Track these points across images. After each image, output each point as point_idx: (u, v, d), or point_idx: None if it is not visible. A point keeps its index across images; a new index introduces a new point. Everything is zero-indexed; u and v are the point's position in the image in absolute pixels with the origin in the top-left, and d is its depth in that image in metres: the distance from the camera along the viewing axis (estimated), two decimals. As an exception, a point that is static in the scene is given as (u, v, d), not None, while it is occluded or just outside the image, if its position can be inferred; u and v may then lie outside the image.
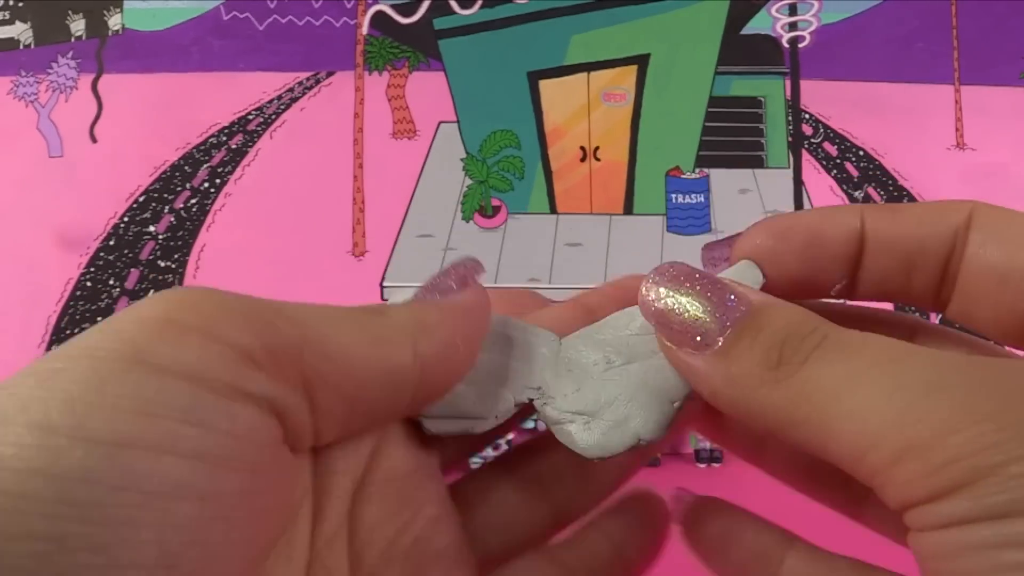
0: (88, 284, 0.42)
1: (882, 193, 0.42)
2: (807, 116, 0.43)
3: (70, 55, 0.45)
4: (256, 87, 0.44)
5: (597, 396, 0.24)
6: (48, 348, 0.41)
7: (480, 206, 0.43)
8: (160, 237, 0.42)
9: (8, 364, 0.41)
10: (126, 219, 0.43)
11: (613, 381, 0.24)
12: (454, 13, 0.45)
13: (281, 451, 0.16)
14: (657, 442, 0.23)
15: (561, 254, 0.42)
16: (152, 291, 0.41)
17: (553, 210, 0.43)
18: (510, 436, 0.33)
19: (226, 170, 0.43)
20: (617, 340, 0.24)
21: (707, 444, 0.40)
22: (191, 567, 0.14)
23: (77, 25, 0.45)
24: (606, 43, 0.44)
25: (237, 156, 0.43)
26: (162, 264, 0.42)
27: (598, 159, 0.44)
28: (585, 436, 0.24)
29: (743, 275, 0.23)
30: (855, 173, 0.43)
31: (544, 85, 0.44)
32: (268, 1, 0.45)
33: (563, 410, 0.24)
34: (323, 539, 0.19)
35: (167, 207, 0.43)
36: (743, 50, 0.44)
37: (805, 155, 0.43)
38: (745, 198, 0.42)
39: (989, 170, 0.42)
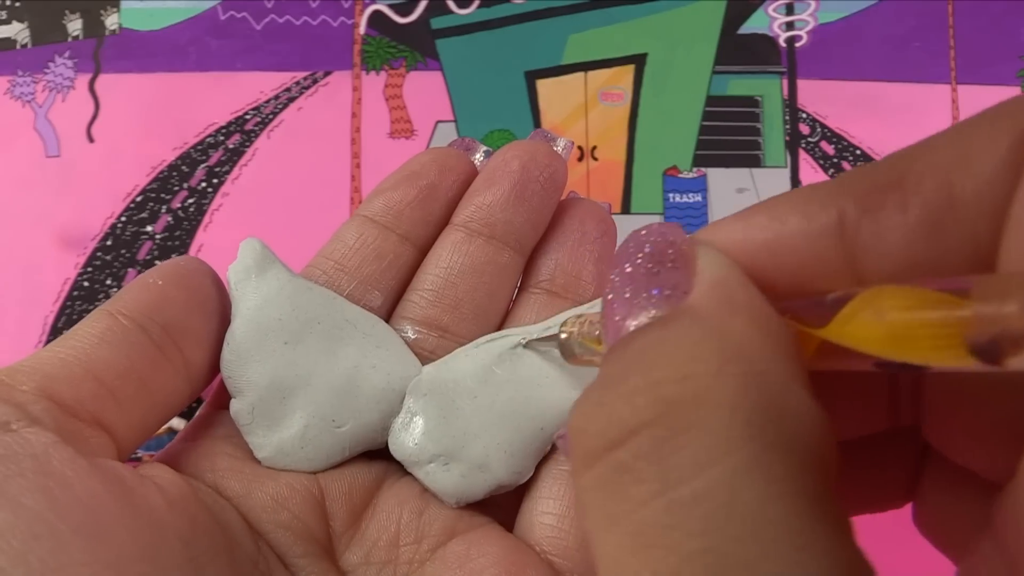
0: (85, 284, 0.42)
1: (879, 192, 0.42)
2: (804, 115, 0.43)
3: (67, 55, 0.45)
4: (253, 87, 0.44)
5: (457, 431, 0.22)
6: (45, 348, 0.41)
7: (478, 206, 0.43)
8: (157, 237, 0.42)
9: (6, 365, 0.41)
10: (123, 219, 0.43)
11: (477, 412, 0.22)
12: (451, 13, 0.45)
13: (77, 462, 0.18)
14: (524, 481, 0.22)
15: (559, 253, 0.42)
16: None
17: (551, 209, 0.43)
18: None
19: (224, 170, 0.43)
20: (491, 360, 0.22)
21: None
22: None
23: (74, 25, 0.45)
24: (603, 43, 0.44)
25: (235, 156, 0.43)
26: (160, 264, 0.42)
27: (595, 158, 0.44)
28: (443, 479, 0.22)
29: None
30: (852, 172, 0.43)
31: (541, 84, 0.44)
32: (265, 1, 0.45)
33: (420, 448, 0.22)
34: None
35: (164, 207, 0.43)
36: (740, 49, 0.44)
37: (802, 154, 0.43)
38: (743, 197, 0.43)
39: (986, 169, 0.42)
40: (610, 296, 0.14)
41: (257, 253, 0.22)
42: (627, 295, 0.14)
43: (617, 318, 0.14)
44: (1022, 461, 0.12)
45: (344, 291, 0.24)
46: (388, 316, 0.24)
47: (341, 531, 0.22)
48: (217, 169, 0.43)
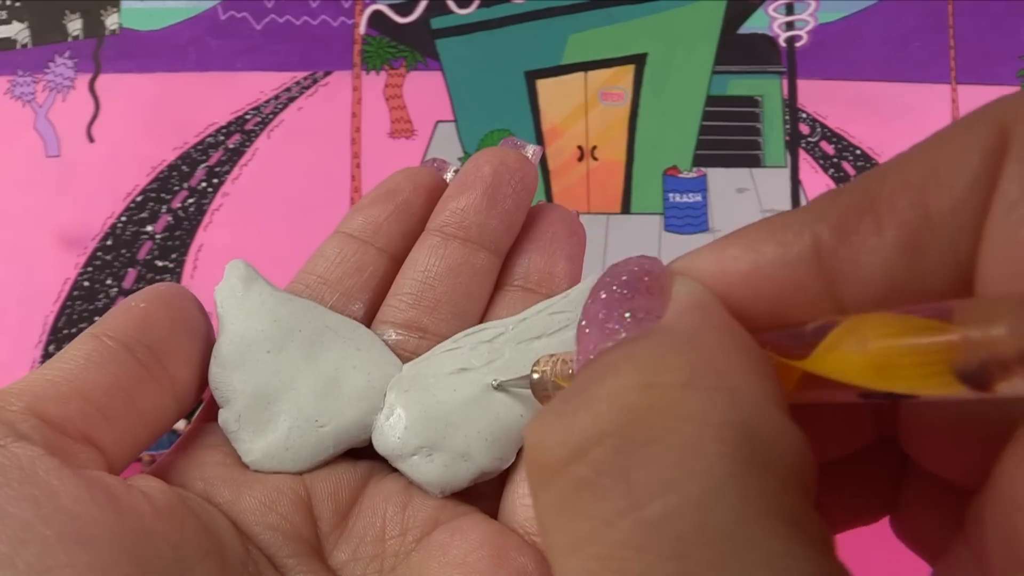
0: (86, 284, 0.42)
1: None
2: (804, 115, 0.43)
3: (67, 55, 0.45)
4: (253, 87, 0.44)
5: (439, 422, 0.22)
6: (45, 348, 0.41)
7: (478, 205, 0.43)
8: (158, 237, 0.42)
9: (6, 365, 0.41)
10: (124, 219, 0.43)
11: (457, 404, 0.23)
12: (451, 13, 0.45)
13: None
14: (506, 467, 0.23)
15: (559, 253, 0.42)
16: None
17: (551, 209, 0.43)
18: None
19: (224, 170, 0.43)
20: (469, 353, 0.23)
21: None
22: None
23: (74, 25, 0.45)
24: (603, 43, 0.44)
25: (235, 156, 0.43)
26: (160, 264, 0.42)
27: (595, 158, 0.44)
28: (427, 471, 0.22)
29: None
30: (852, 172, 0.43)
31: (541, 84, 0.44)
32: (265, 1, 0.45)
33: (403, 442, 0.22)
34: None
35: (165, 207, 0.43)
36: (740, 49, 0.44)
37: (802, 154, 0.43)
38: (742, 197, 0.43)
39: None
40: (583, 323, 0.14)
41: (241, 272, 0.24)
42: (600, 317, 0.14)
43: (589, 345, 0.13)
44: (994, 468, 0.12)
45: (327, 303, 0.25)
46: (369, 324, 0.25)
47: (328, 530, 0.22)
48: (217, 169, 0.43)
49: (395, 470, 0.23)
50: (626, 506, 0.11)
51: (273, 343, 0.23)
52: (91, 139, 0.43)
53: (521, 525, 0.23)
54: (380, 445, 0.23)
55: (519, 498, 0.23)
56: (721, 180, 0.43)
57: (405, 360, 0.24)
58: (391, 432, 0.23)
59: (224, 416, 0.23)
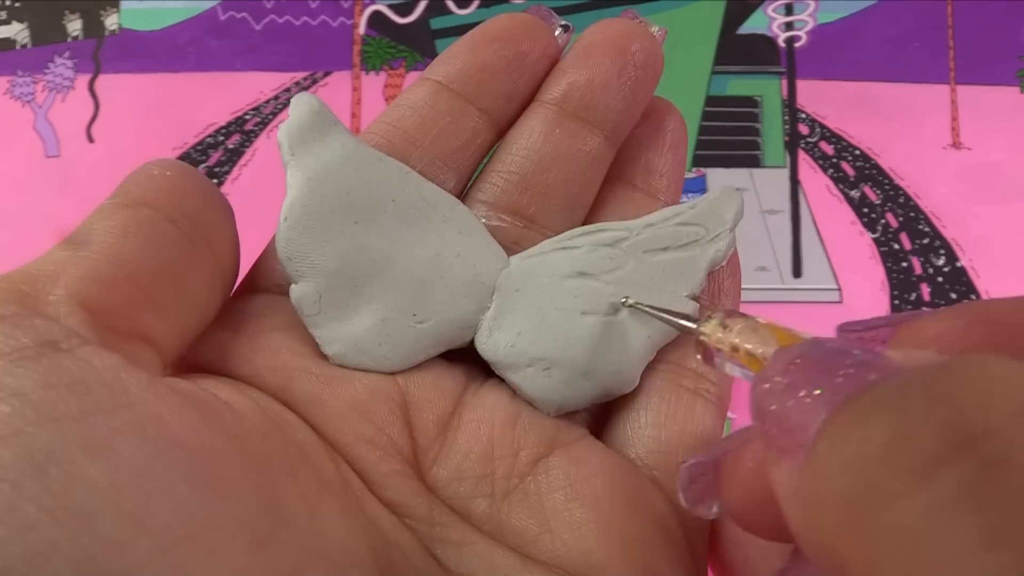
0: (85, 284, 0.42)
1: (878, 192, 0.42)
2: (803, 115, 0.43)
3: (67, 55, 0.45)
4: (253, 87, 0.44)
5: (558, 333, 0.20)
6: (45, 348, 0.41)
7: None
8: (157, 237, 0.42)
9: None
10: (123, 219, 0.43)
11: (580, 312, 0.20)
12: (451, 13, 0.45)
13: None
14: (630, 390, 0.20)
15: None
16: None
17: (550, 210, 0.43)
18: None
19: (223, 170, 0.43)
20: (591, 256, 0.20)
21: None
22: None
23: (74, 25, 0.45)
24: (603, 43, 0.44)
25: (234, 156, 0.43)
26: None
27: (595, 159, 0.44)
28: (544, 385, 0.19)
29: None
30: (851, 172, 0.43)
31: (541, 85, 0.44)
32: (265, 1, 0.45)
33: (517, 350, 0.20)
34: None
35: (164, 207, 0.43)
36: (739, 50, 0.44)
37: (801, 154, 0.43)
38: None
39: (985, 169, 0.42)
40: (776, 381, 0.12)
41: (316, 110, 0.19)
42: (829, 364, 0.12)
43: (838, 388, 0.11)
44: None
45: (415, 168, 0.20)
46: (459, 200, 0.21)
47: (427, 443, 0.19)
48: (217, 169, 0.43)
49: (492, 377, 0.20)
50: None
51: (362, 212, 0.19)
52: (91, 139, 0.43)
53: (640, 458, 0.20)
54: (488, 351, 0.20)
55: (640, 428, 0.20)
56: (720, 180, 0.43)
57: (506, 251, 0.21)
58: (503, 338, 0.19)
59: (299, 294, 0.19)
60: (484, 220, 0.21)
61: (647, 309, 0.19)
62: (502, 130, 0.22)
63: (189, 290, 0.17)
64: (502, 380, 0.20)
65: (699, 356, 0.17)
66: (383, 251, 0.19)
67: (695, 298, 0.21)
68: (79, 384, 0.13)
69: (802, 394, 0.11)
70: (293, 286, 0.19)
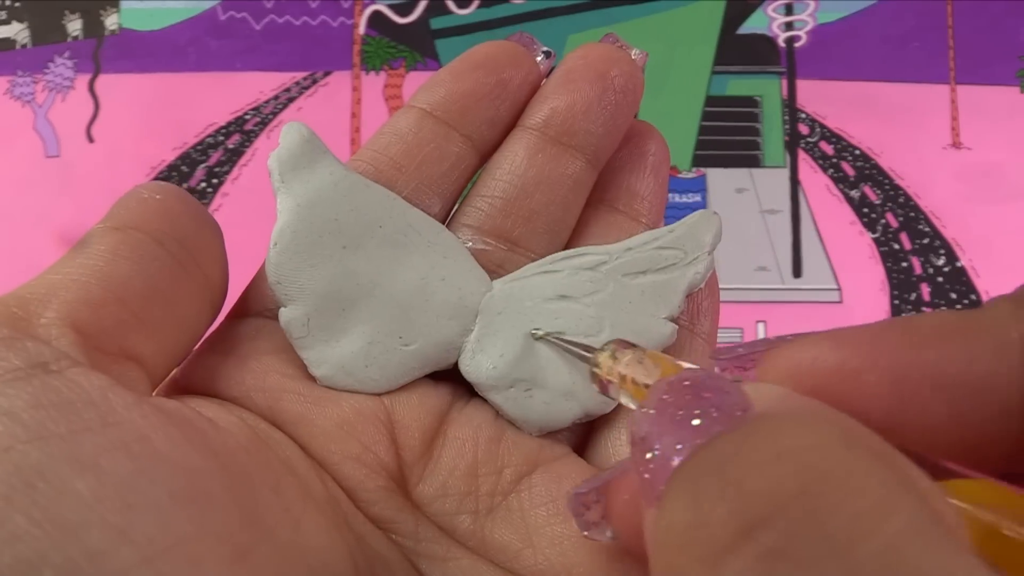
0: (85, 284, 0.42)
1: (878, 192, 0.43)
2: (803, 115, 0.44)
3: (67, 55, 0.45)
4: (253, 87, 0.44)
5: (539, 354, 0.20)
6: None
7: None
8: (157, 237, 0.43)
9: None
10: (123, 219, 0.43)
11: (562, 334, 0.20)
12: (451, 13, 0.45)
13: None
14: (611, 409, 0.21)
15: (558, 254, 0.42)
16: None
17: (550, 209, 0.43)
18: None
19: (223, 170, 0.43)
20: (571, 279, 0.21)
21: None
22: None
23: (74, 25, 0.45)
24: (603, 43, 0.44)
25: (234, 156, 0.43)
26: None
27: (595, 159, 0.44)
28: (526, 407, 0.20)
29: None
30: (851, 172, 0.43)
31: (541, 85, 0.44)
32: (265, 1, 0.45)
33: (499, 372, 0.20)
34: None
35: (164, 207, 0.43)
36: (739, 50, 0.44)
37: (801, 154, 0.43)
38: (742, 197, 0.43)
39: (985, 169, 0.42)
40: (642, 429, 0.12)
41: (305, 137, 0.20)
42: (676, 417, 0.12)
43: (670, 446, 0.12)
44: None
45: (401, 194, 0.21)
46: (444, 224, 0.22)
47: (413, 461, 0.19)
48: (217, 169, 0.43)
49: (476, 396, 0.21)
50: (827, 551, 0.10)
51: (350, 238, 0.19)
52: (91, 139, 0.43)
53: None
54: (471, 373, 0.20)
55: (622, 444, 0.20)
56: (720, 180, 0.43)
57: (489, 275, 0.21)
58: (486, 360, 0.20)
59: (288, 317, 0.19)
60: (469, 243, 0.21)
61: (556, 341, 0.20)
62: (486, 155, 0.22)
63: (178, 310, 0.18)
64: (484, 400, 0.21)
65: (595, 387, 0.18)
66: (370, 276, 0.20)
67: (674, 320, 0.21)
68: (68, 404, 0.14)
69: (656, 447, 0.12)
70: (282, 309, 0.19)
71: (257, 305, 0.21)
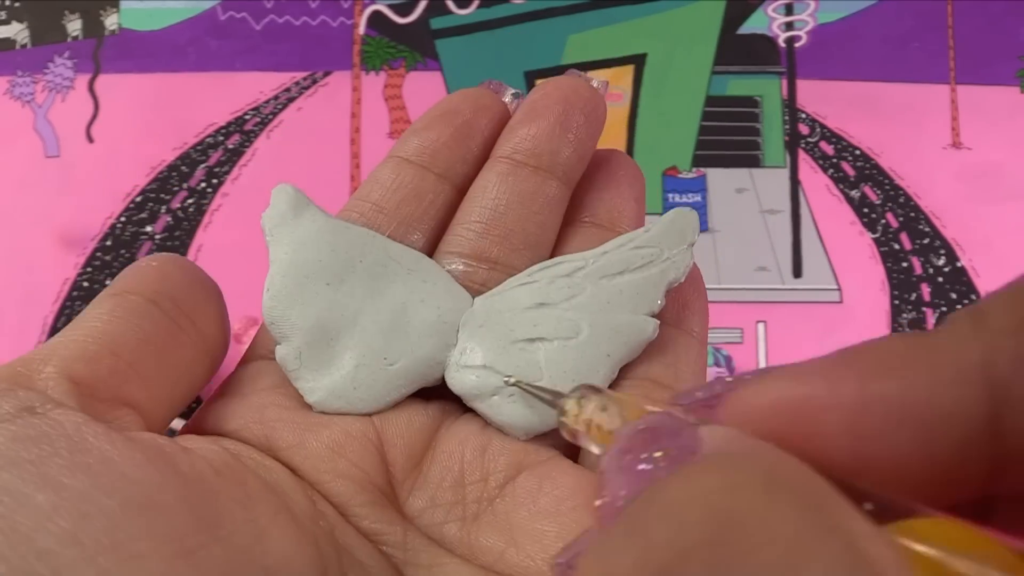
0: (85, 284, 0.42)
1: (878, 192, 0.43)
2: (803, 115, 0.44)
3: (67, 55, 0.45)
4: (253, 87, 0.44)
5: (520, 360, 0.21)
6: (45, 348, 0.41)
7: (477, 206, 0.43)
8: (157, 237, 0.42)
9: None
10: (123, 219, 0.43)
11: (540, 339, 0.21)
12: (451, 13, 0.45)
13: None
14: None
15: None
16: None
17: (550, 210, 0.43)
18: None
19: (223, 170, 0.43)
20: (548, 287, 0.22)
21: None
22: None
23: (74, 25, 0.45)
24: (603, 43, 0.44)
25: (234, 156, 0.43)
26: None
27: (595, 159, 0.44)
28: (509, 412, 0.21)
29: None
30: (851, 172, 0.43)
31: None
32: (265, 1, 0.45)
33: (482, 381, 0.21)
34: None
35: (164, 207, 0.43)
36: (740, 50, 0.44)
37: (801, 154, 0.43)
38: (742, 197, 0.43)
39: (985, 169, 0.42)
40: (603, 474, 0.12)
41: (291, 197, 0.22)
42: (626, 461, 0.12)
43: (619, 492, 0.12)
44: None
45: (384, 232, 0.23)
46: (430, 255, 0.24)
47: (402, 476, 0.21)
48: (217, 169, 0.43)
49: (468, 411, 0.22)
50: None
51: (332, 275, 0.21)
52: (90, 139, 0.43)
53: None
54: (456, 384, 0.21)
55: None
56: (720, 180, 0.43)
57: (474, 293, 0.22)
58: (468, 371, 0.21)
59: (282, 353, 0.21)
60: (451, 267, 0.23)
61: (527, 388, 0.21)
62: (463, 188, 0.24)
63: (171, 361, 0.20)
64: (476, 413, 0.22)
65: (566, 435, 0.17)
66: (353, 307, 0.21)
67: (656, 316, 0.22)
68: (43, 436, 0.16)
69: (605, 494, 0.12)
70: (278, 347, 0.21)
71: (262, 350, 0.23)
